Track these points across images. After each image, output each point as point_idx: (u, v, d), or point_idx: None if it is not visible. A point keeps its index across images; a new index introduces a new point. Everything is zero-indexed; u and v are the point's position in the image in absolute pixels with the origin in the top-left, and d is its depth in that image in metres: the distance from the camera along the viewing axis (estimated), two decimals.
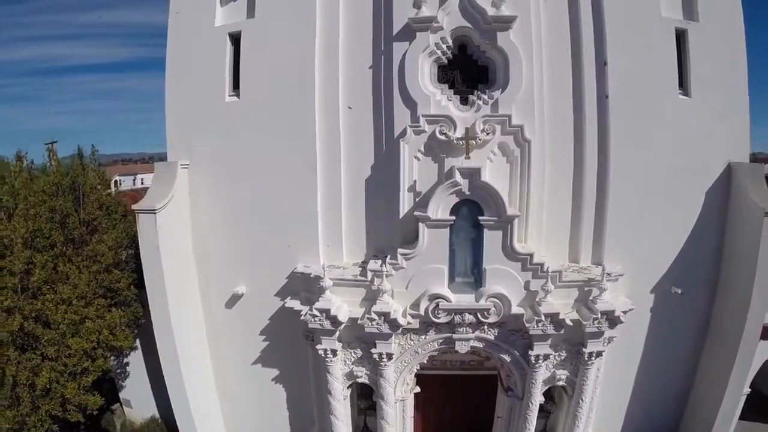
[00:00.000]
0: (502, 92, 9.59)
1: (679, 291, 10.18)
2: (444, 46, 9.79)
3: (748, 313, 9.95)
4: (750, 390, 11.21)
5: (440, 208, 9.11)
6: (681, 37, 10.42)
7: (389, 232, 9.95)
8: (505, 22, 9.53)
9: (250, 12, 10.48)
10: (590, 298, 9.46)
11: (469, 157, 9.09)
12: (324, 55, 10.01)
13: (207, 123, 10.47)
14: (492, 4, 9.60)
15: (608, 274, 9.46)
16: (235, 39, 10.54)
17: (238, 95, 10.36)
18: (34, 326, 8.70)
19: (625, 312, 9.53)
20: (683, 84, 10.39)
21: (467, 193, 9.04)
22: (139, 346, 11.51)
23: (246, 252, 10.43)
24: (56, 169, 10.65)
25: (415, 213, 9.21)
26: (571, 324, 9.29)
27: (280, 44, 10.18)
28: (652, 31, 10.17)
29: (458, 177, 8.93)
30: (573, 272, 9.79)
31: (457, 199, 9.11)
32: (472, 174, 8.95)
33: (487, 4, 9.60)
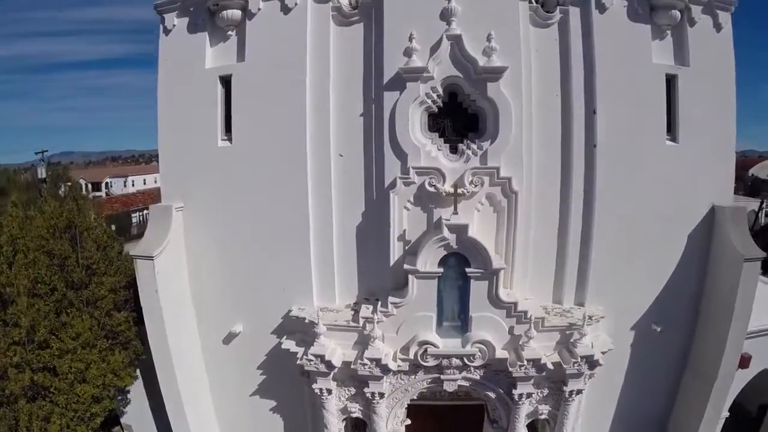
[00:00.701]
0: (491, 143, 9.73)
1: (659, 329, 10.63)
2: (434, 95, 9.86)
3: (724, 353, 10.41)
4: (729, 414, 11.87)
5: (429, 260, 9.41)
6: (671, 82, 10.50)
7: (380, 276, 10.27)
8: (496, 73, 9.59)
9: (240, 55, 10.49)
10: (571, 341, 9.90)
11: (457, 213, 9.32)
12: (315, 100, 10.09)
13: (200, 167, 10.61)
14: (483, 53, 9.65)
15: (589, 318, 9.87)
16: (226, 81, 10.57)
17: (230, 140, 10.46)
18: (43, 378, 9.13)
19: (604, 352, 10.04)
20: (671, 129, 10.53)
21: (455, 247, 9.32)
22: (139, 375, 11.97)
23: (242, 293, 10.75)
24: (52, 210, 10.77)
25: (405, 266, 9.51)
26: (552, 368, 9.75)
27: (270, 89, 10.22)
28: (642, 78, 10.25)
29: (446, 232, 9.19)
30: (555, 316, 10.18)
31: (445, 252, 9.40)
32: (460, 229, 9.20)
33: (478, 53, 9.65)
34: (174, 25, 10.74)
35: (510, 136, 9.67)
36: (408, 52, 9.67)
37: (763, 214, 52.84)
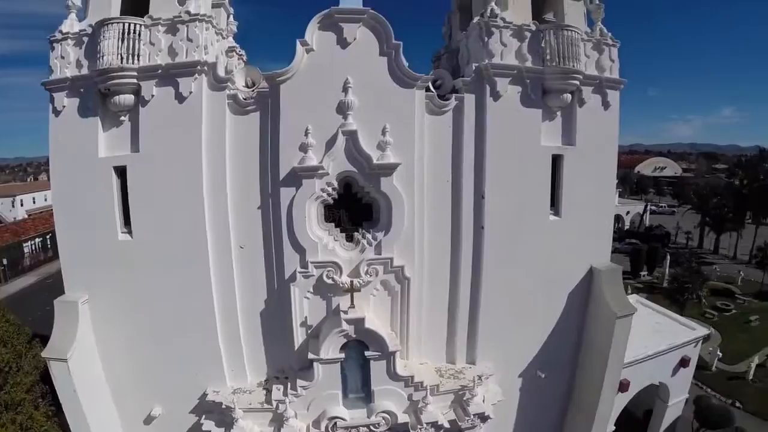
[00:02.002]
0: (385, 234, 10.30)
1: (543, 375, 12.01)
2: (330, 188, 10.21)
3: (602, 394, 11.98)
4: (615, 428, 13.76)
5: (331, 348, 10.14)
6: (557, 160, 11.27)
7: (287, 356, 10.89)
8: (389, 169, 10.02)
9: (134, 144, 10.28)
10: (464, 399, 11.07)
11: (353, 306, 9.98)
12: (212, 192, 10.18)
13: (102, 259, 10.52)
14: (378, 146, 10.01)
15: (479, 378, 11.04)
16: (122, 171, 10.37)
17: (130, 232, 10.40)
18: None
19: (494, 404, 11.34)
20: (555, 204, 11.42)
21: (354, 336, 10.08)
22: None
23: (157, 378, 11.04)
24: None
25: (310, 355, 10.18)
26: (449, 426, 10.93)
27: (167, 181, 10.18)
28: (530, 160, 10.98)
29: (345, 325, 9.89)
30: (449, 378, 11.23)
31: (345, 340, 10.14)
32: (357, 321, 9.94)
33: (373, 147, 10.02)
34: (64, 106, 10.27)
35: (403, 228, 10.26)
36: (304, 148, 9.89)
37: (648, 216, 57.52)
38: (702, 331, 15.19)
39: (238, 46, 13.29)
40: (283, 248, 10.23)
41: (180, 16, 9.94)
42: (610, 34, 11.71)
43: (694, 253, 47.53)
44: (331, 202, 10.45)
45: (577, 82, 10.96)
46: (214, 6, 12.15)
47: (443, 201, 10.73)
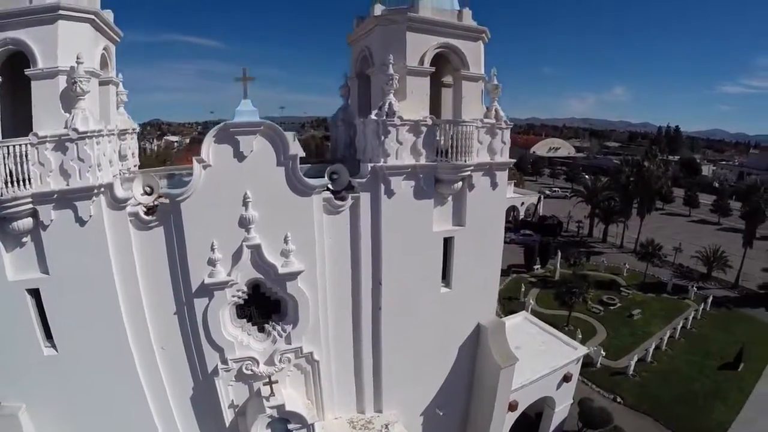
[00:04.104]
0: (293, 328, 11.59)
1: (441, 413, 14.25)
2: (240, 293, 11.20)
3: (492, 420, 14.34)
4: None
5: (259, 427, 11.48)
6: (448, 241, 12.67)
7: None
8: (294, 275, 11.07)
9: (42, 265, 10.46)
10: None
11: (273, 394, 11.36)
12: (128, 303, 10.84)
13: (33, 373, 10.93)
14: (281, 254, 10.96)
15: (386, 426, 13.15)
16: (36, 291, 10.67)
17: (54, 347, 10.96)
18: None
19: None
20: (446, 277, 13.01)
21: (277, 416, 11.55)
22: None
23: None
24: None
25: None
26: None
27: (81, 298, 10.60)
28: (423, 246, 12.36)
29: (268, 410, 11.30)
30: (361, 429, 13.09)
31: (271, 420, 11.60)
32: (279, 406, 11.35)
33: (276, 255, 10.95)
34: None
35: (309, 322, 11.56)
36: (211, 262, 10.69)
37: (542, 206, 61.00)
38: (582, 350, 17.75)
39: (130, 119, 13.21)
40: (202, 348, 11.26)
41: (67, 135, 9.71)
42: (504, 116, 12.69)
43: (583, 242, 52.67)
44: (242, 302, 11.46)
45: (468, 172, 12.08)
46: (102, 84, 11.83)
47: (344, 291, 12.07)
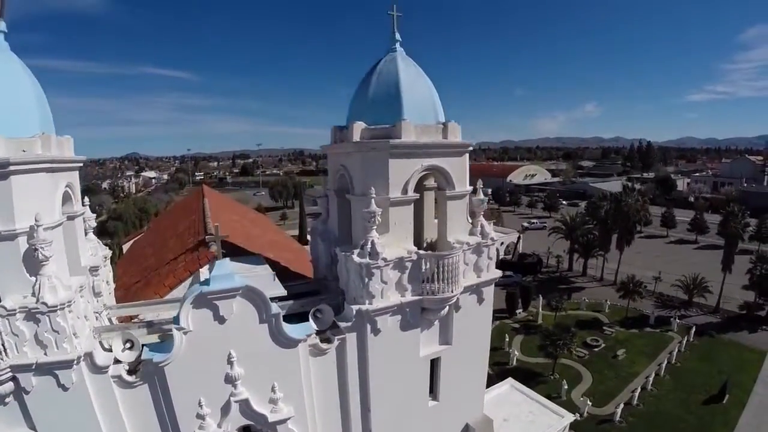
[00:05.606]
0: None
1: None
2: None
3: None
4: None
5: None
6: (435, 361, 12.73)
7: None
8: (284, 421, 11.20)
9: (29, 422, 10.50)
10: None
11: None
12: None
13: None
14: (270, 401, 11.06)
15: None
16: None
17: None
18: None
19: None
20: (433, 391, 13.20)
21: None
22: None
23: None
24: None
25: None
26: None
27: None
28: (409, 371, 12.45)
29: None
30: None
31: None
32: None
33: (265, 404, 11.06)
34: None
35: None
36: (200, 416, 10.74)
37: (521, 245, 58.71)
38: (569, 418, 18.12)
39: (99, 243, 12.73)
40: None
41: (37, 307, 9.44)
42: (491, 232, 12.23)
43: (563, 277, 53.22)
44: None
45: (455, 299, 11.88)
46: (70, 219, 11.25)
47: (334, 421, 12.20)
